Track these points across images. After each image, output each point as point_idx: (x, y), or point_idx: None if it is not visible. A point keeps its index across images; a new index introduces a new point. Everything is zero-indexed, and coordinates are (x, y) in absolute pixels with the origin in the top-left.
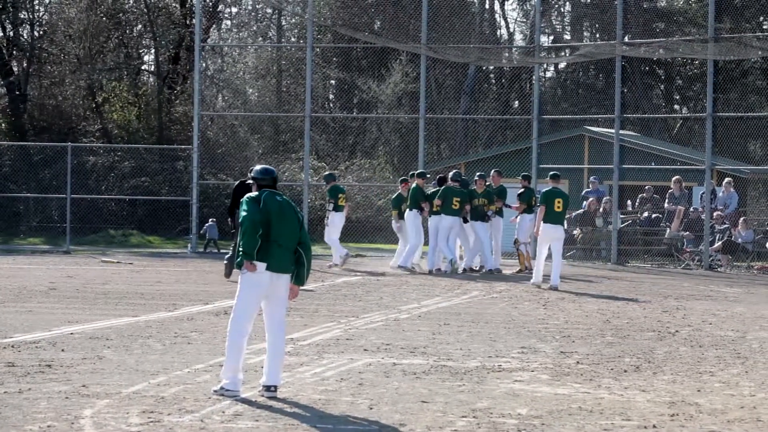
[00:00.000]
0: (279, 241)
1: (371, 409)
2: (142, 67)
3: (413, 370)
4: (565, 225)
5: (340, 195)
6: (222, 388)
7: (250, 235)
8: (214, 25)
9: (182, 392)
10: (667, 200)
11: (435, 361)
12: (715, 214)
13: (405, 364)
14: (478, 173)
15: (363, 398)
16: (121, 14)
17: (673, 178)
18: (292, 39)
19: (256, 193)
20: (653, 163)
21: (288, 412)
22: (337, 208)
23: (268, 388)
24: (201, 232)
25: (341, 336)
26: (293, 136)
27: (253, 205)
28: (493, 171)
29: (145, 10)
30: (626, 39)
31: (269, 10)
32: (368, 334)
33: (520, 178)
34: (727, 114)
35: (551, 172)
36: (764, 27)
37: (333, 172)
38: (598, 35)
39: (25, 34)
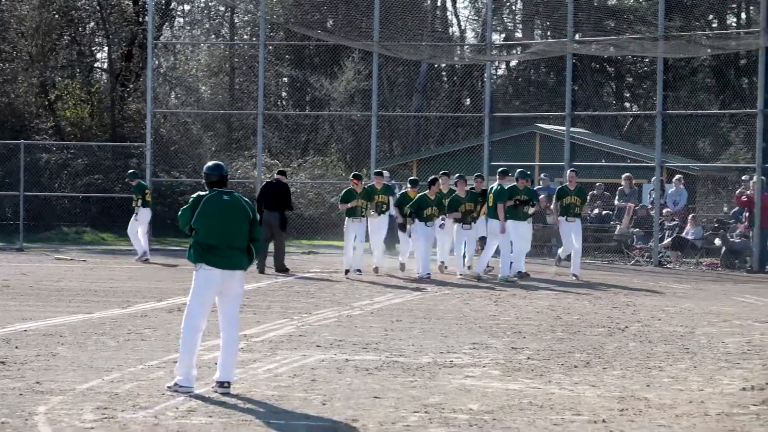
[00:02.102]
0: (228, 242)
1: (324, 404)
2: (95, 65)
3: (366, 366)
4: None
5: (146, 191)
6: (176, 384)
7: (183, 224)
8: (166, 23)
9: (136, 389)
10: (617, 197)
11: (387, 357)
12: (664, 210)
13: (357, 360)
14: (457, 175)
15: (316, 394)
16: (73, 12)
17: (624, 176)
18: (245, 37)
19: (203, 193)
20: (604, 161)
21: (241, 407)
22: (145, 204)
23: (221, 384)
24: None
25: (294, 332)
26: (246, 134)
27: (188, 211)
28: (475, 176)
29: (97, 7)
30: (577, 37)
31: (222, 8)
32: (321, 331)
33: (475, 178)
34: (676, 112)
35: (501, 169)
36: (713, 25)
37: (136, 171)
38: (549, 33)
39: None
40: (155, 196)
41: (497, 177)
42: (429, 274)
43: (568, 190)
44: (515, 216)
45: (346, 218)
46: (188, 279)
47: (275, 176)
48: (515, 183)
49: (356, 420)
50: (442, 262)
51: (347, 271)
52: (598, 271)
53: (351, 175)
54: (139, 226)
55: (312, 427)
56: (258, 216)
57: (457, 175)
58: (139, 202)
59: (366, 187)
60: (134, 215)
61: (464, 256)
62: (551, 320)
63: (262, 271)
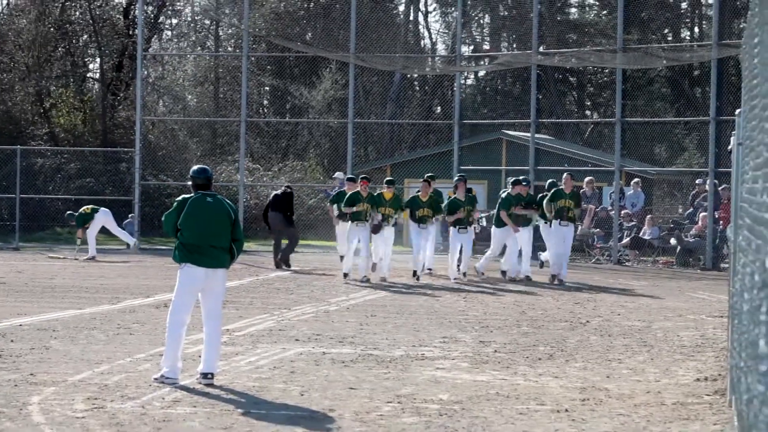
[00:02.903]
0: (212, 242)
1: (302, 395)
2: (88, 75)
3: (342, 358)
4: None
5: (83, 210)
6: (162, 375)
7: (167, 227)
8: (155, 36)
9: (124, 380)
10: None
11: (362, 351)
12: (623, 212)
13: (334, 353)
14: (459, 175)
15: (295, 385)
16: (68, 25)
17: (586, 179)
18: (229, 48)
19: (187, 196)
20: (566, 165)
21: (224, 398)
22: (93, 213)
23: (205, 375)
24: (121, 227)
25: (274, 327)
26: (229, 140)
27: (174, 214)
28: (457, 179)
29: (90, 21)
30: (541, 49)
31: (207, 22)
32: (299, 325)
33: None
34: (634, 119)
35: (513, 179)
36: (669, 39)
37: (72, 212)
38: (515, 45)
39: None
40: (143, 199)
41: (510, 186)
42: (418, 275)
43: (563, 193)
44: (516, 222)
45: (349, 222)
46: (174, 276)
47: (284, 187)
48: (515, 190)
49: (333, 410)
50: (429, 269)
51: (346, 275)
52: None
53: (360, 177)
54: (94, 228)
55: (291, 417)
56: (240, 217)
57: (457, 176)
58: (78, 240)
59: (374, 194)
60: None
61: (459, 261)
62: (517, 315)
63: (288, 265)
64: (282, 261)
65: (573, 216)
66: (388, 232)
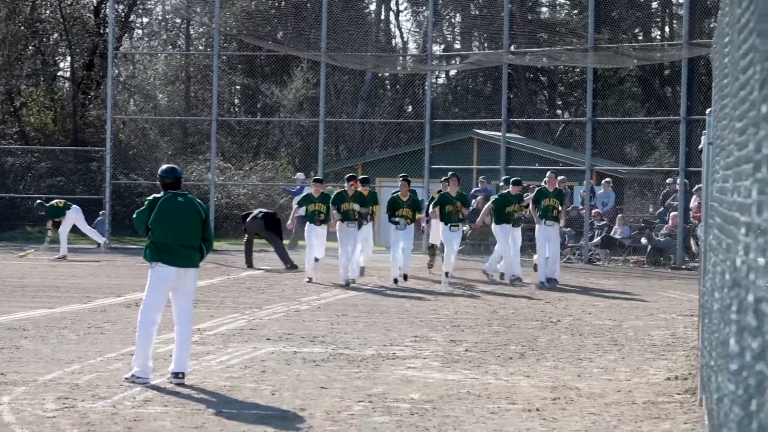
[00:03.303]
0: (182, 242)
1: (273, 395)
2: (58, 74)
3: (313, 358)
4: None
5: (56, 203)
6: (133, 375)
7: (138, 225)
8: (126, 34)
9: (95, 380)
10: None
11: (333, 350)
12: (594, 211)
13: (305, 352)
14: (450, 173)
15: (266, 385)
16: (38, 24)
17: (558, 178)
18: (200, 47)
19: (158, 196)
20: (537, 164)
21: (195, 397)
22: (66, 208)
23: (176, 375)
24: (92, 226)
25: (245, 326)
26: (201, 139)
27: (145, 213)
28: (450, 174)
29: (61, 19)
30: (512, 48)
31: (178, 20)
32: (271, 325)
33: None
34: (605, 118)
35: (513, 179)
36: (639, 38)
37: (41, 202)
38: (486, 45)
39: None
40: (114, 198)
41: (509, 185)
42: (397, 279)
43: (547, 192)
44: (516, 224)
45: (338, 223)
46: (145, 275)
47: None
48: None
49: (304, 409)
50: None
51: (348, 283)
52: (531, 267)
53: (346, 177)
54: (66, 227)
55: (262, 416)
56: (211, 216)
57: (450, 173)
58: (49, 231)
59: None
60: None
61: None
62: (488, 314)
63: (293, 266)
64: (287, 263)
65: (558, 215)
66: (366, 231)
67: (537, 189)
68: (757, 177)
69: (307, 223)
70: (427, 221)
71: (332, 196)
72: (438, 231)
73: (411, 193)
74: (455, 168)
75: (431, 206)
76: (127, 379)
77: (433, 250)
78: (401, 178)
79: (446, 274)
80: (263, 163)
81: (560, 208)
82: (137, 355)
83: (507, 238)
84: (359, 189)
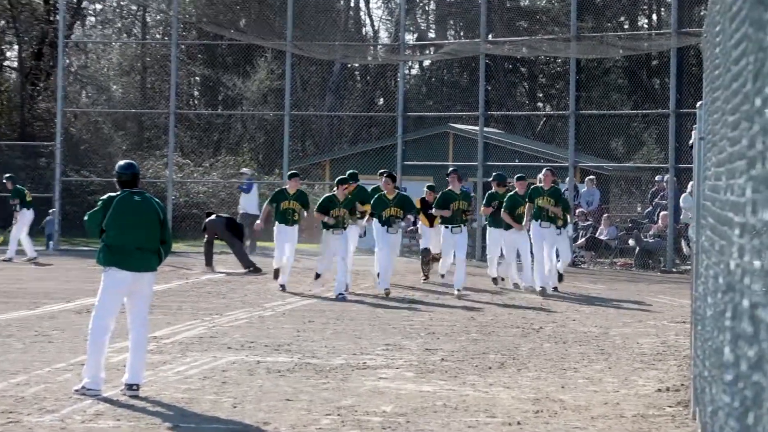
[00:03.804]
0: (139, 243)
1: (235, 407)
2: (5, 63)
3: (277, 368)
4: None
5: (26, 192)
6: (83, 387)
7: (90, 227)
8: (78, 22)
9: (43, 392)
10: None
11: (299, 359)
12: (578, 211)
13: (269, 362)
14: (451, 169)
15: (226, 397)
16: None
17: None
18: (157, 36)
19: (113, 194)
20: (517, 161)
21: (150, 411)
22: (27, 205)
23: (130, 386)
24: (40, 226)
25: (205, 334)
26: (157, 133)
27: (99, 213)
28: (450, 170)
29: (8, 5)
30: (490, 37)
31: (134, 7)
32: (232, 332)
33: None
34: (589, 112)
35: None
36: (625, 27)
37: (13, 175)
38: (462, 33)
39: None
40: (65, 196)
41: (515, 181)
42: (387, 289)
43: (541, 191)
44: (495, 223)
45: (323, 230)
46: (98, 279)
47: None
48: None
49: (268, 423)
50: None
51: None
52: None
53: (336, 180)
54: (22, 228)
55: (222, 431)
56: (168, 216)
57: (451, 168)
58: (18, 206)
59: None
60: (14, 218)
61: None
62: (465, 321)
63: (256, 268)
64: (248, 266)
65: (554, 215)
66: (352, 233)
67: (532, 187)
68: (752, 174)
69: (277, 223)
70: (415, 221)
71: (319, 201)
72: (439, 237)
73: (397, 190)
74: (430, 165)
75: (434, 208)
76: (77, 391)
77: (428, 258)
78: (383, 175)
79: (458, 291)
80: (224, 159)
81: (558, 207)
82: (88, 365)
83: (519, 243)
84: (344, 189)
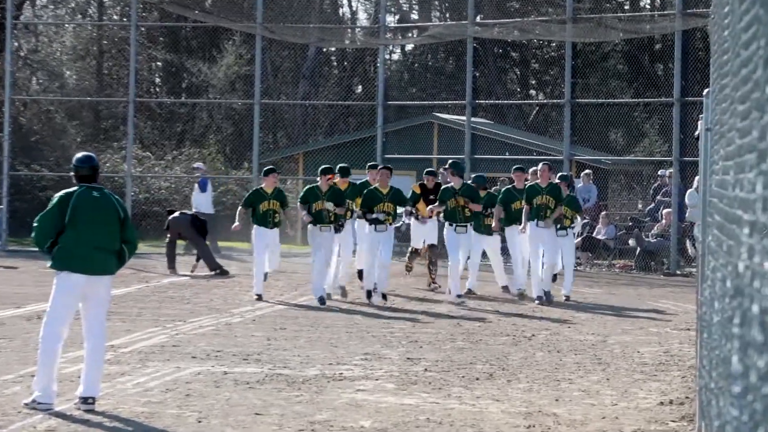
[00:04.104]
0: (96, 243)
1: (200, 422)
2: None
3: (246, 379)
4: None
5: None
6: (33, 400)
7: (41, 235)
8: (27, 1)
9: None
10: None
11: (270, 370)
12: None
13: (237, 372)
14: (449, 163)
15: (191, 411)
16: None
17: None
18: (115, 17)
19: (70, 190)
20: (507, 154)
21: (107, 426)
22: None
23: (85, 400)
24: None
25: (167, 342)
26: (115, 123)
27: (53, 215)
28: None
29: None
30: (478, 19)
31: None
32: (197, 340)
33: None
34: (586, 100)
35: (451, 161)
36: (626, 7)
37: None
38: (448, 15)
39: None
40: (13, 192)
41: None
42: (371, 293)
43: (539, 188)
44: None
45: (309, 226)
46: (50, 283)
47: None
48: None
49: None
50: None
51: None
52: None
53: (320, 169)
54: None
55: None
56: (129, 214)
57: (450, 161)
58: None
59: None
60: None
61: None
62: (450, 328)
63: (222, 269)
64: (214, 268)
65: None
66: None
67: (528, 185)
68: (762, 168)
69: (255, 226)
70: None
71: (302, 193)
72: (421, 232)
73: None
74: (412, 158)
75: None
76: (26, 404)
77: (415, 256)
78: (380, 168)
79: (458, 297)
80: (188, 152)
81: (554, 207)
82: (39, 376)
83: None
84: (336, 182)
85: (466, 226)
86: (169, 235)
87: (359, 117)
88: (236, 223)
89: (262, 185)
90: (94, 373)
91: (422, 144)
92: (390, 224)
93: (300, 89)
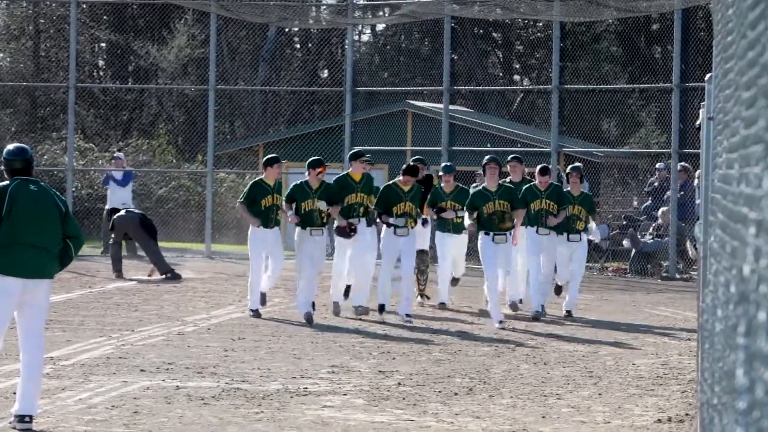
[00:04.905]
0: (33, 241)
1: None
2: None
3: (201, 394)
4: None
5: None
6: None
7: None
8: None
9: None
10: None
11: (227, 384)
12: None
13: (191, 387)
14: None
15: (139, 429)
16: None
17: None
18: None
19: (4, 185)
20: (489, 145)
21: None
22: None
23: (21, 418)
24: None
25: (113, 354)
26: (54, 111)
27: None
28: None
29: None
30: None
31: None
32: (146, 352)
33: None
34: (576, 86)
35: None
36: None
37: None
38: None
39: None
40: None
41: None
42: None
43: (537, 191)
44: (442, 227)
45: (297, 229)
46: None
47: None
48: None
49: None
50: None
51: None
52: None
53: (308, 162)
54: None
55: None
56: (71, 209)
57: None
58: None
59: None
60: None
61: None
62: (426, 337)
63: (172, 272)
64: (165, 271)
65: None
66: (367, 236)
67: (523, 188)
68: None
69: (252, 228)
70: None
71: (288, 190)
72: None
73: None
74: (384, 150)
75: (466, 210)
76: None
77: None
78: (413, 161)
79: (500, 323)
80: (136, 143)
81: (561, 214)
82: None
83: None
84: (318, 173)
85: (505, 234)
86: (113, 236)
87: (325, 105)
88: (254, 218)
89: (263, 176)
90: (32, 388)
91: (395, 134)
92: (413, 227)
93: (259, 74)
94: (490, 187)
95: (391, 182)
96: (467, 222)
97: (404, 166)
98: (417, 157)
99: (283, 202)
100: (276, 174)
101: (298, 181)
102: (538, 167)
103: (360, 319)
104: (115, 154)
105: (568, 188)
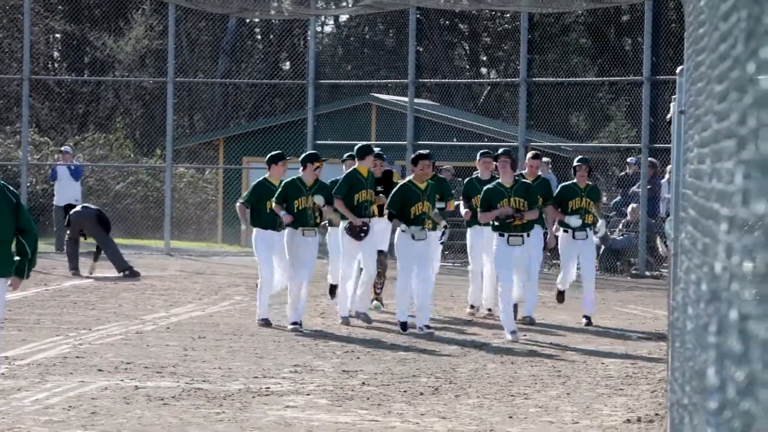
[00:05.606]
0: None
1: None
2: None
3: (160, 394)
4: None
5: None
6: None
7: None
8: None
9: None
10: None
11: (187, 384)
12: None
13: (150, 387)
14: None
15: (97, 430)
16: None
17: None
18: None
19: None
20: (455, 139)
21: None
22: None
23: None
24: None
25: (69, 353)
26: (7, 104)
27: None
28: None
29: None
30: None
31: None
32: (104, 351)
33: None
34: (544, 79)
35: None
36: None
37: None
38: None
39: None
40: None
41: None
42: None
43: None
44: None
45: (288, 229)
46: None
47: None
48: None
49: None
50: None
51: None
52: (449, 274)
53: (302, 157)
54: None
55: None
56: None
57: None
58: None
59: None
60: None
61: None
62: (391, 336)
63: (130, 269)
64: (123, 269)
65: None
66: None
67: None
68: (743, 157)
69: (257, 230)
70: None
71: (281, 188)
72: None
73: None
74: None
75: (479, 211)
76: None
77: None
78: (419, 156)
79: (512, 334)
80: (93, 137)
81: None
82: None
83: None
84: (314, 169)
85: (521, 236)
86: (69, 232)
87: (287, 98)
88: (244, 227)
89: (266, 176)
90: None
91: (358, 128)
92: (430, 229)
93: (219, 66)
94: (504, 183)
95: (406, 180)
96: (463, 210)
97: (414, 156)
98: (377, 152)
99: (274, 203)
100: (281, 172)
101: (290, 178)
102: (527, 157)
103: (324, 318)
104: (62, 148)
105: (575, 181)
